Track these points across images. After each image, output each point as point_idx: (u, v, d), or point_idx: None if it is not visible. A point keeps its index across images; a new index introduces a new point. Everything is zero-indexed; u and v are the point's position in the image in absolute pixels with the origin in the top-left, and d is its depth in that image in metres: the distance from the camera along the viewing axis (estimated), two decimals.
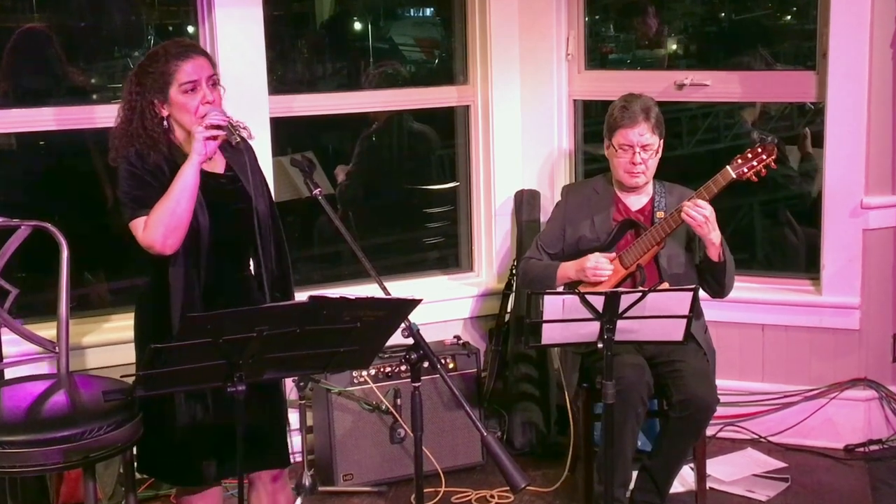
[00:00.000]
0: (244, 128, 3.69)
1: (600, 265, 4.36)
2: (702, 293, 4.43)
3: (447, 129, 5.77)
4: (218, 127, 3.56)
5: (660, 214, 4.43)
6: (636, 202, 4.54)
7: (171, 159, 3.62)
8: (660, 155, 4.47)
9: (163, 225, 3.52)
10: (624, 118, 4.41)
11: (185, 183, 3.53)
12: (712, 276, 4.41)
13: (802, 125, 5.71)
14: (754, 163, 4.23)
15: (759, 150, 4.24)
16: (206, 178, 3.62)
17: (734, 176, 4.24)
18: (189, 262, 3.62)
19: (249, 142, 3.70)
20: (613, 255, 4.38)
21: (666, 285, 4.29)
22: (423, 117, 5.96)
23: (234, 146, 3.65)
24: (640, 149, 4.39)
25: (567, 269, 4.46)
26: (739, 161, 4.24)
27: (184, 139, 3.67)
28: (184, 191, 3.53)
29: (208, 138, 3.55)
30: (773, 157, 4.24)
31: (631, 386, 4.17)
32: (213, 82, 3.66)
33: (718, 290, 4.46)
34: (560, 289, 4.46)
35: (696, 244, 4.45)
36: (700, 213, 4.21)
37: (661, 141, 4.47)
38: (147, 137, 3.60)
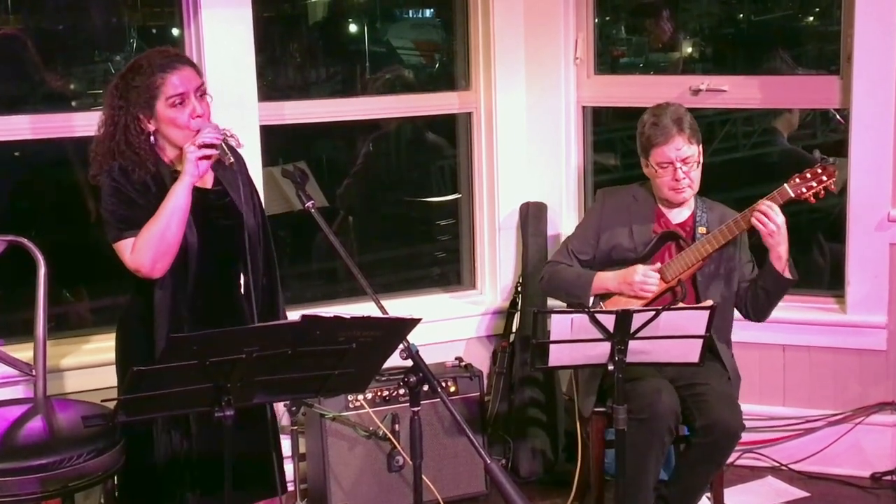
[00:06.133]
0: (231, 136, 3.71)
1: (649, 279, 4.36)
2: (736, 315, 4.48)
3: (448, 137, 5.78)
4: (211, 146, 3.57)
5: (701, 230, 4.43)
6: (678, 216, 4.54)
7: (158, 176, 3.63)
8: (702, 163, 4.47)
9: (152, 249, 3.54)
10: (657, 135, 4.39)
11: (175, 205, 3.55)
12: (768, 292, 4.40)
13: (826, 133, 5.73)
14: (813, 183, 4.27)
15: (819, 170, 4.27)
16: (194, 194, 3.63)
17: (792, 195, 4.27)
18: (176, 284, 3.64)
19: (238, 150, 3.72)
20: (659, 266, 4.40)
21: (710, 301, 4.31)
22: (422, 125, 5.97)
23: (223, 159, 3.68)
24: (680, 163, 4.38)
25: (605, 280, 4.44)
26: (798, 180, 4.28)
27: (173, 155, 3.69)
28: (174, 213, 3.54)
29: (201, 158, 3.57)
30: (833, 178, 4.28)
31: (660, 414, 4.16)
32: (202, 93, 3.68)
33: (765, 310, 4.46)
34: (592, 299, 4.46)
35: (735, 264, 4.47)
36: (773, 220, 4.22)
37: (701, 147, 4.47)
38: (132, 154, 3.61)
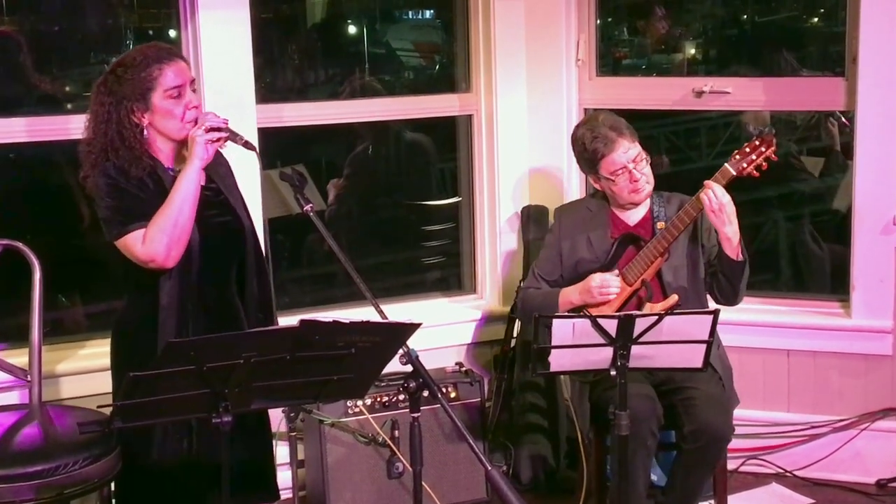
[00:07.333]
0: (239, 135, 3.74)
1: (606, 282, 4.37)
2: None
3: (448, 140, 5.77)
4: (217, 129, 3.61)
5: (660, 225, 4.45)
6: (634, 216, 4.56)
7: (154, 173, 3.64)
8: (648, 157, 4.51)
9: (166, 235, 3.54)
10: (601, 146, 4.43)
11: (187, 189, 3.57)
12: (727, 277, 4.40)
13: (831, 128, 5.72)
14: (753, 156, 4.31)
15: (757, 142, 4.32)
16: None
17: (734, 173, 4.30)
18: (182, 276, 3.64)
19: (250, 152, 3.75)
20: (617, 271, 4.41)
21: (675, 297, 4.31)
22: (421, 128, 5.96)
23: (214, 158, 3.69)
24: (632, 164, 4.42)
25: (569, 294, 4.47)
26: (738, 157, 4.32)
27: (168, 149, 3.70)
28: (186, 198, 3.57)
29: (210, 141, 3.59)
30: (773, 148, 4.31)
31: (640, 418, 4.16)
32: (194, 88, 3.72)
33: (732, 294, 4.45)
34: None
35: (699, 252, 4.49)
36: (717, 198, 4.24)
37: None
38: (126, 150, 3.61)
